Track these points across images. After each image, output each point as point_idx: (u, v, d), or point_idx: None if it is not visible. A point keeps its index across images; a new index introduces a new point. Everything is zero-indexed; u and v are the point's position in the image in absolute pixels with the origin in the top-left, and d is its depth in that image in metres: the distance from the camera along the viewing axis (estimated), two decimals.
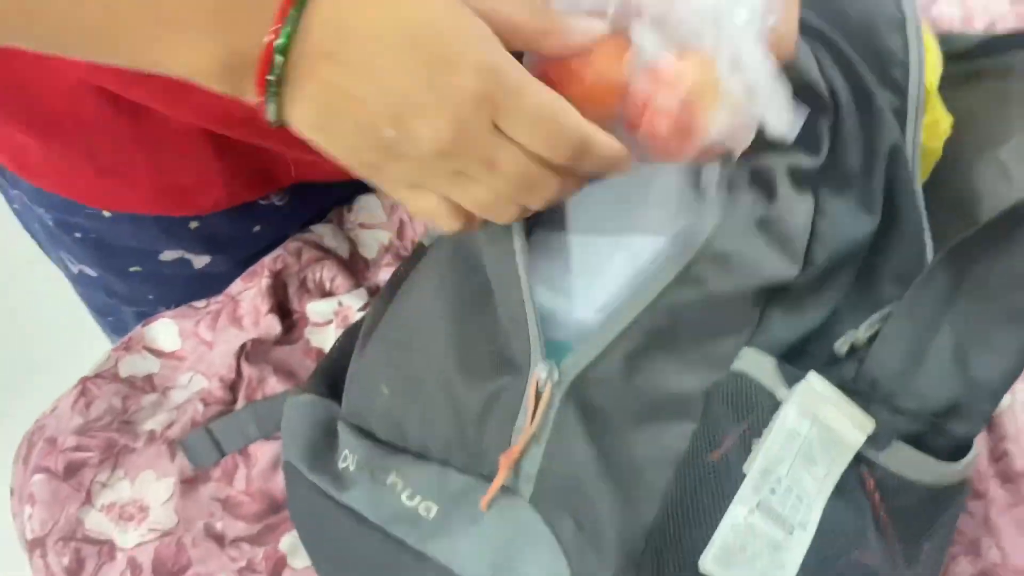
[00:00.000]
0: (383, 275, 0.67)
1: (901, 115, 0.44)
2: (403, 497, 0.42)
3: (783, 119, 0.37)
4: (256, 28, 0.31)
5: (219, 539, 0.57)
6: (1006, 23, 0.74)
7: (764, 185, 0.41)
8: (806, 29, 0.43)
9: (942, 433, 0.39)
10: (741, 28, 0.36)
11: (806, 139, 0.41)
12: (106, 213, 0.60)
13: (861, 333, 0.40)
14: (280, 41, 0.31)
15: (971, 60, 0.51)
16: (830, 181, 0.42)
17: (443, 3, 0.32)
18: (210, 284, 0.65)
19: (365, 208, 0.70)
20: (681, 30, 0.36)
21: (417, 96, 0.31)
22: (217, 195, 0.61)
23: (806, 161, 0.42)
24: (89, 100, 0.52)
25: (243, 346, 0.62)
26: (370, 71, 0.31)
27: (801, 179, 0.42)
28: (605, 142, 0.35)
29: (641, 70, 0.36)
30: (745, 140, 0.38)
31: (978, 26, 0.74)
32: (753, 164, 0.41)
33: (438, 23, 0.31)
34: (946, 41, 0.52)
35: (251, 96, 0.33)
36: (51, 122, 0.54)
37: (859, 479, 0.38)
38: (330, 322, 0.64)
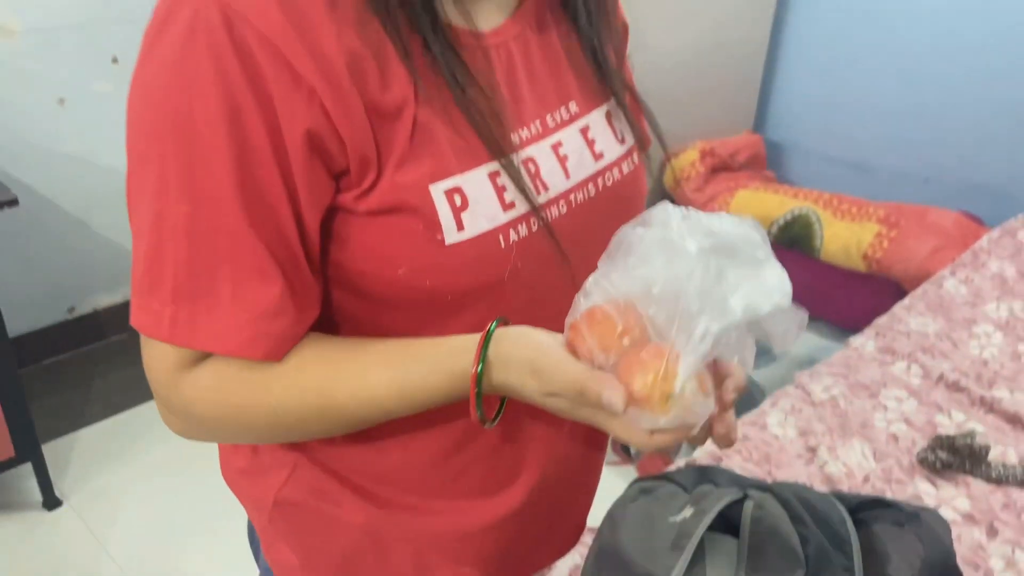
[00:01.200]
0: None
1: (850, 570, 0.73)
2: None
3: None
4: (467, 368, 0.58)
5: None
6: (876, 476, 1.10)
7: None
8: (794, 518, 0.74)
9: None
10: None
11: None
12: None
13: None
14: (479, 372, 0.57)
15: (858, 513, 0.83)
16: None
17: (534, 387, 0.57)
18: None
19: None
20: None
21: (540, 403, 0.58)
22: None
23: None
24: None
25: None
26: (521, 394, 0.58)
27: None
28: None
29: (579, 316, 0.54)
30: (702, 417, 0.54)
31: (858, 479, 1.09)
32: None
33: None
34: (840, 498, 0.85)
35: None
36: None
37: None
38: None
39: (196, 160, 0.55)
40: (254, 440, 0.73)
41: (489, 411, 0.61)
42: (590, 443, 0.82)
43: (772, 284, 0.54)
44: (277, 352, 0.60)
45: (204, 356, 0.60)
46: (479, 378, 0.58)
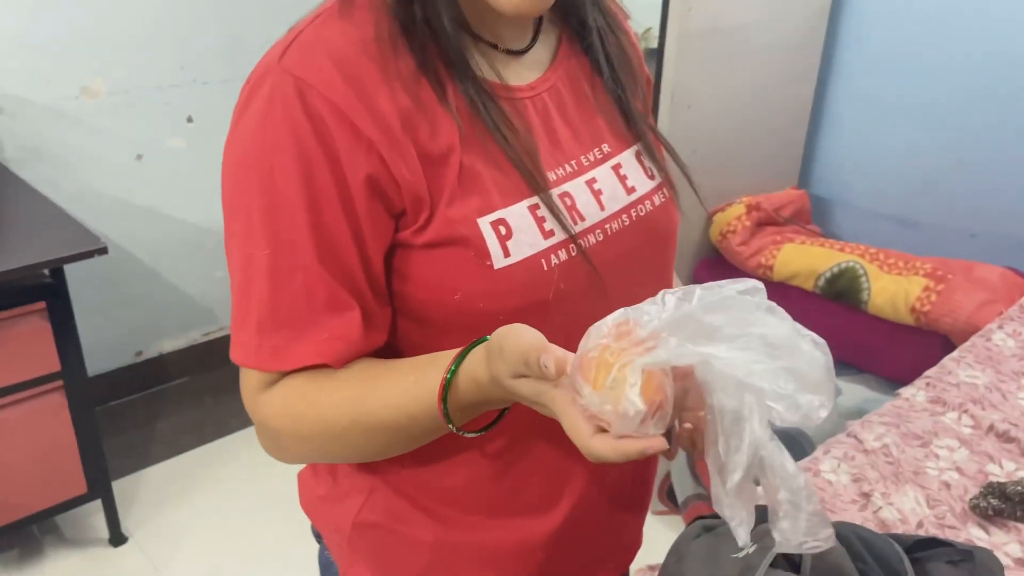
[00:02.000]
0: None
1: None
2: None
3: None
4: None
5: None
6: (929, 522, 1.13)
7: None
8: (855, 556, 0.78)
9: None
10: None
11: None
12: None
13: None
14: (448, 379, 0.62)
15: (913, 553, 0.87)
16: None
17: (501, 388, 0.60)
18: None
19: None
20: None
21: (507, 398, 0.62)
22: None
23: None
24: None
25: None
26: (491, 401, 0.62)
27: None
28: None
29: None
30: (628, 423, 0.53)
31: (911, 525, 1.12)
32: None
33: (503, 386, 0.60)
34: (896, 538, 0.89)
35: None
36: None
37: None
38: None
39: (276, 208, 0.65)
40: (320, 455, 0.79)
41: (483, 420, 0.67)
42: None
43: (791, 391, 0.52)
44: (340, 360, 0.68)
45: (280, 377, 0.69)
46: (451, 372, 0.63)
